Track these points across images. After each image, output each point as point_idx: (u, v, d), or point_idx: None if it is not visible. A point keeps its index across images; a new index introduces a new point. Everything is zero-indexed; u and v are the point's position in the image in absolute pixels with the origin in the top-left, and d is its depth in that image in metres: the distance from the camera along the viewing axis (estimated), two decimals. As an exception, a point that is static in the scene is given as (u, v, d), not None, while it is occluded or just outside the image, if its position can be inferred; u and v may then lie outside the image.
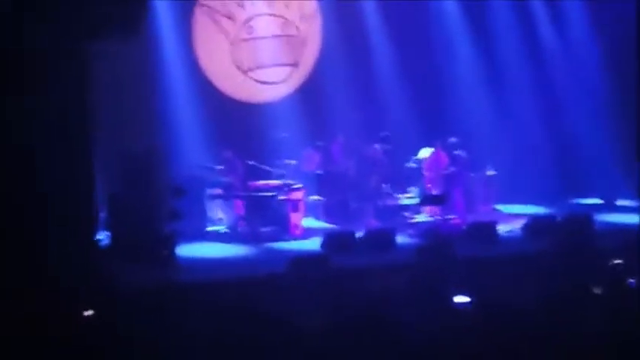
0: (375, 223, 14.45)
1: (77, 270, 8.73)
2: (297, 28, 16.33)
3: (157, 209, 12.21)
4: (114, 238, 11.88)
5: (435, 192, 14.71)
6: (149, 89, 14.77)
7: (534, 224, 13.62)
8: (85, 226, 9.02)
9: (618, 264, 10.55)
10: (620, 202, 16.19)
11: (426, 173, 15.16)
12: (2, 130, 8.26)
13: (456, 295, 9.07)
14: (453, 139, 15.03)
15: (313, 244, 12.97)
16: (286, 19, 16.22)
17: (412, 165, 15.78)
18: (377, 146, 15.21)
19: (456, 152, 15.08)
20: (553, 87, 17.15)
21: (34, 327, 7.94)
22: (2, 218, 8.19)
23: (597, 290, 9.64)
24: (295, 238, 13.67)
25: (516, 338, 7.72)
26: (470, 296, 9.03)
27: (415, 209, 15.30)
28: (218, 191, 14.29)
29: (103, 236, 11.76)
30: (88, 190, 9.13)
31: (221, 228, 14.25)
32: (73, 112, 8.81)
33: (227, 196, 14.23)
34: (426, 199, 14.45)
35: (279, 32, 16.22)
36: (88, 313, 8.23)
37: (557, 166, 16.53)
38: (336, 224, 14.57)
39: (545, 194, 16.00)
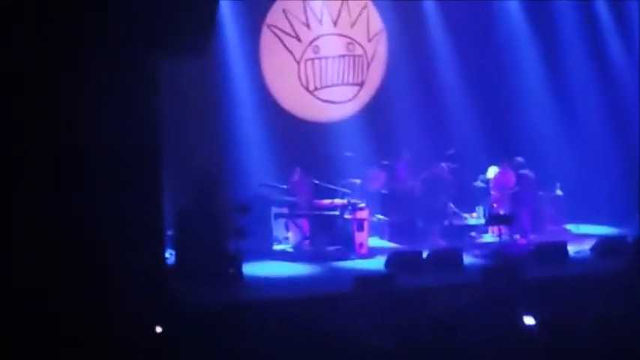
0: (441, 243, 14.34)
1: (144, 288, 8.81)
2: (362, 47, 16.36)
3: (223, 228, 12.29)
4: (180, 256, 11.99)
5: (502, 211, 14.55)
6: (216, 107, 14.92)
7: (604, 245, 13.38)
8: (152, 244, 9.11)
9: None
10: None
11: (493, 192, 15.01)
12: (72, 147, 8.40)
13: (523, 316, 8.95)
14: (519, 159, 14.87)
15: (378, 263, 12.92)
16: (352, 39, 16.27)
17: (479, 184, 15.65)
18: (443, 165, 15.12)
19: (523, 171, 14.92)
20: (623, 104, 16.84)
21: (103, 346, 8.04)
22: (70, 236, 8.32)
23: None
24: (360, 257, 13.63)
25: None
26: (537, 318, 8.91)
27: (482, 229, 15.17)
28: (283, 210, 14.34)
29: (169, 254, 11.89)
30: (155, 208, 9.23)
31: (286, 247, 14.29)
32: (140, 129, 8.93)
33: (292, 215, 14.26)
34: (493, 219, 14.30)
35: (345, 52, 16.27)
36: (156, 331, 8.30)
37: (628, 185, 16.19)
38: (401, 243, 14.49)
39: (615, 214, 15.68)
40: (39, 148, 8.29)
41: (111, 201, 8.52)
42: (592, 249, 13.44)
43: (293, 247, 14.12)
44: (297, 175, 14.48)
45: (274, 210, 14.31)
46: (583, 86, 16.80)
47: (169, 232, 12.18)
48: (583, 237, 14.75)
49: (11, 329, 8.02)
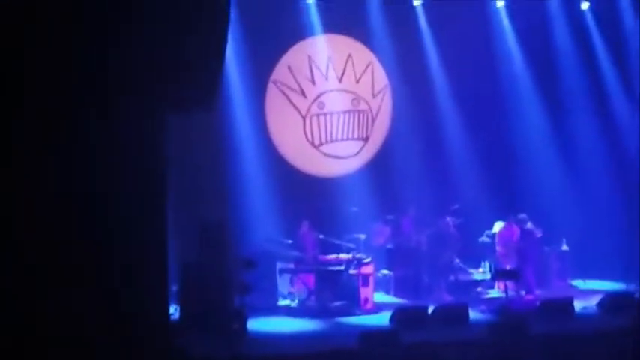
0: (447, 298, 14.28)
1: (148, 343, 8.75)
2: (367, 103, 16.49)
3: (228, 282, 12.26)
4: (185, 311, 11.95)
5: (508, 267, 14.50)
6: (223, 162, 15.01)
7: (611, 300, 13.30)
8: (157, 298, 9.07)
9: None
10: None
11: (498, 247, 14.99)
12: (77, 196, 8.42)
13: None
14: (522, 215, 14.87)
15: (384, 318, 12.84)
16: (357, 94, 16.41)
17: (485, 239, 15.65)
18: (448, 220, 15.12)
19: (528, 226, 14.90)
20: (628, 158, 16.87)
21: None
22: (73, 287, 8.29)
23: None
24: (366, 313, 13.55)
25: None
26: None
27: (488, 284, 15.12)
28: (288, 265, 14.30)
29: (174, 309, 11.84)
30: (160, 262, 9.20)
31: (291, 302, 14.22)
32: (147, 182, 8.94)
33: (297, 270, 14.23)
34: (499, 274, 14.24)
35: (349, 107, 16.40)
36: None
37: (635, 239, 16.13)
38: (407, 299, 14.42)
39: (622, 269, 15.60)
40: (45, 197, 8.30)
41: (116, 253, 8.49)
42: (599, 304, 13.35)
43: (298, 303, 14.04)
44: (304, 228, 14.50)
45: (279, 265, 14.27)
46: (587, 141, 16.87)
47: (174, 287, 12.15)
48: (590, 292, 14.66)
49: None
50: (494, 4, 16.73)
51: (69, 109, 8.37)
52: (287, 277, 14.37)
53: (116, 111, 8.63)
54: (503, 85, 16.82)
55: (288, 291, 14.39)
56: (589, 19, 16.97)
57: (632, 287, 14.39)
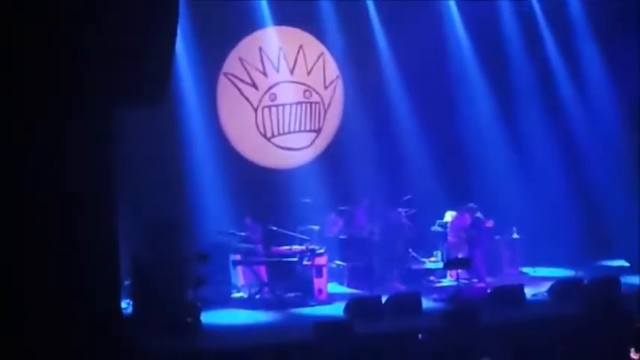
0: (400, 287, 14.38)
1: (101, 339, 8.71)
2: (319, 94, 16.51)
3: (181, 276, 12.22)
4: (137, 306, 11.88)
5: (459, 255, 14.65)
6: (175, 155, 14.93)
7: (561, 287, 13.50)
8: (108, 294, 9.03)
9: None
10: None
11: (450, 237, 15.14)
12: (25, 193, 8.33)
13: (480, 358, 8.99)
14: (472, 204, 15.02)
15: (338, 309, 12.90)
16: (308, 86, 16.42)
17: (437, 228, 15.80)
18: (401, 210, 15.22)
19: (478, 215, 15.07)
20: (577, 148, 17.14)
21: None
22: (23, 284, 8.22)
23: (625, 353, 9.50)
24: (320, 304, 13.60)
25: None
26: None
27: (440, 273, 15.26)
28: (242, 257, 14.30)
29: (126, 304, 11.78)
30: (112, 257, 9.15)
31: (245, 294, 14.22)
32: (96, 177, 8.89)
33: (251, 262, 14.23)
34: (451, 263, 14.38)
35: (301, 99, 16.41)
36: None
37: (583, 227, 16.41)
38: (360, 289, 14.50)
39: (571, 256, 15.82)
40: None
41: (66, 249, 8.44)
42: (549, 291, 13.55)
43: (252, 295, 14.05)
44: (248, 223, 14.46)
45: (232, 257, 14.27)
46: (536, 131, 17.07)
47: (127, 282, 12.08)
48: (540, 279, 14.87)
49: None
50: (445, -3, 16.86)
51: (17, 106, 8.28)
52: (241, 269, 14.37)
53: (66, 107, 8.57)
54: (454, 76, 16.94)
55: (242, 283, 14.39)
56: (537, 10, 17.16)
57: (580, 274, 14.63)
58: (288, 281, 13.87)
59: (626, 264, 16.11)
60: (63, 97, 8.53)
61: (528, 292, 13.47)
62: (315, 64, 16.45)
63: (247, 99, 16.00)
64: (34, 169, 8.39)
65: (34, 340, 8.21)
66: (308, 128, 16.50)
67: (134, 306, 11.93)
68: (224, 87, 15.84)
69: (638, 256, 15.92)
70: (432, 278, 15.22)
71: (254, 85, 16.03)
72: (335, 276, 15.09)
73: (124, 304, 11.18)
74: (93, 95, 8.76)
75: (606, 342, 10.13)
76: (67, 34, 8.35)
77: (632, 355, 9.69)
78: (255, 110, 16.07)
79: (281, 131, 16.28)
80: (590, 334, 10.45)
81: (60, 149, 8.53)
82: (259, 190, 15.51)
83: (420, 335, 10.62)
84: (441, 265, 15.19)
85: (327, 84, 16.59)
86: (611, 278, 13.68)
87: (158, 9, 8.83)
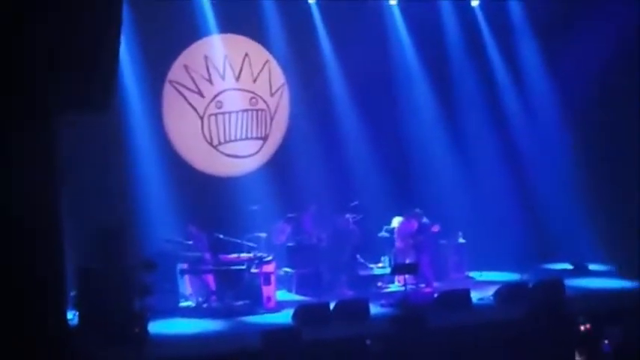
0: (348, 293, 14.42)
1: (47, 350, 8.60)
2: (265, 102, 16.51)
3: (127, 285, 12.10)
4: (84, 316, 11.74)
5: (407, 261, 14.74)
6: (119, 163, 14.80)
7: (506, 291, 13.66)
8: (53, 305, 8.91)
9: (590, 329, 10.59)
10: (590, 267, 16.26)
11: (397, 242, 15.23)
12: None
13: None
14: (418, 210, 15.13)
15: (286, 316, 12.90)
16: (255, 93, 16.41)
17: (384, 234, 15.88)
18: (348, 216, 15.28)
19: (425, 220, 15.18)
20: (519, 151, 17.36)
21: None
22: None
23: (570, 356, 9.66)
24: (268, 311, 13.58)
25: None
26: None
27: (388, 279, 15.33)
28: (189, 266, 14.20)
29: (72, 315, 11.64)
30: (57, 267, 9.04)
31: (193, 303, 14.14)
32: (40, 186, 8.78)
33: (198, 271, 14.14)
34: (398, 268, 14.46)
35: (247, 106, 16.39)
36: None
37: (528, 231, 16.62)
38: (308, 296, 14.51)
39: (516, 260, 16.02)
40: None
41: (8, 260, 8.31)
42: (495, 295, 13.69)
43: (200, 303, 13.97)
44: (193, 231, 14.38)
45: (180, 266, 14.17)
46: (481, 135, 17.27)
47: (73, 293, 11.94)
48: (486, 284, 15.03)
49: None
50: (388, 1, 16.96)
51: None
52: (187, 278, 14.28)
53: (7, 113, 8.45)
54: (398, 82, 17.06)
55: (190, 292, 14.30)
56: (479, 14, 17.37)
57: (525, 277, 14.82)
58: (236, 289, 13.82)
59: (570, 267, 16.36)
60: (6, 102, 8.40)
61: (474, 296, 13.62)
62: (260, 71, 16.44)
63: (193, 107, 15.93)
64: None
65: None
66: (255, 136, 16.48)
67: (80, 316, 11.78)
68: (169, 95, 15.75)
69: (581, 259, 16.26)
70: (379, 284, 15.28)
71: (200, 93, 15.97)
72: (283, 283, 15.08)
73: (69, 314, 11.04)
74: (37, 100, 8.65)
75: (551, 345, 10.28)
76: (9, 36, 8.23)
77: (577, 357, 9.86)
78: (202, 118, 16.00)
79: (227, 139, 16.24)
80: (536, 337, 10.60)
81: (3, 156, 8.40)
82: (206, 197, 15.47)
83: (367, 341, 10.67)
84: (388, 270, 15.27)
85: (273, 91, 16.59)
86: (556, 281, 13.90)
87: (102, 13, 8.75)
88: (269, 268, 14.01)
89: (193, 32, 15.77)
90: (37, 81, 8.53)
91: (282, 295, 14.67)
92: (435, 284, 14.96)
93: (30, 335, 8.41)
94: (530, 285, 13.83)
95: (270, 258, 14.21)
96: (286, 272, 15.20)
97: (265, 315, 13.40)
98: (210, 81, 16.04)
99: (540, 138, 17.31)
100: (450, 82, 17.26)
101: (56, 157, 9.09)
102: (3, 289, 8.24)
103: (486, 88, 17.29)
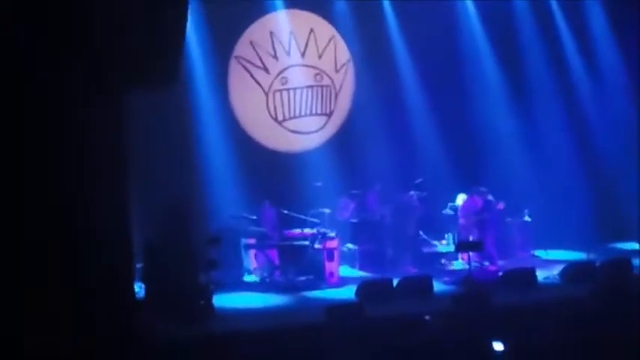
0: (411, 271, 14.40)
1: (114, 322, 8.75)
2: (330, 78, 16.49)
3: (193, 259, 12.26)
4: (150, 289, 11.94)
5: (471, 238, 14.65)
6: (185, 139, 14.97)
7: (572, 270, 13.50)
8: (121, 277, 9.07)
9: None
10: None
11: (461, 220, 15.13)
12: (38, 178, 8.35)
13: (493, 342, 9.00)
14: (483, 189, 15.01)
15: (349, 292, 12.94)
16: (320, 69, 16.40)
17: (448, 211, 15.79)
18: (412, 193, 15.22)
19: (490, 198, 15.05)
20: (588, 128, 17.09)
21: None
22: (36, 267, 8.25)
23: (637, 336, 9.50)
24: (331, 287, 13.65)
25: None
26: (507, 343, 8.96)
27: (451, 256, 15.26)
28: (253, 241, 14.34)
29: (139, 287, 11.84)
30: (124, 241, 9.19)
31: (257, 277, 14.27)
32: (108, 161, 8.90)
33: (262, 246, 14.27)
34: (462, 246, 14.38)
35: (312, 82, 16.40)
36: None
37: (595, 210, 16.38)
38: (371, 272, 14.52)
39: (583, 239, 15.79)
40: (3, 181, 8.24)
41: (79, 234, 8.47)
42: (560, 274, 13.54)
43: (263, 278, 14.10)
44: (265, 207, 14.50)
45: (244, 241, 14.31)
46: (549, 112, 17.02)
47: (139, 265, 12.14)
48: (551, 262, 14.87)
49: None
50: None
51: (23, 91, 8.28)
52: (252, 252, 14.42)
53: (76, 88, 8.56)
54: (466, 60, 16.88)
55: (254, 267, 14.44)
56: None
57: (592, 256, 14.61)
58: (299, 265, 13.91)
59: (638, 246, 16.07)
60: (75, 78, 8.52)
61: (540, 275, 13.46)
62: (326, 47, 16.42)
63: (258, 82, 16.00)
64: (44, 158, 8.39)
65: (47, 323, 8.25)
66: (319, 112, 16.50)
67: (146, 289, 11.99)
68: (235, 71, 15.85)
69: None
70: (443, 261, 15.22)
71: (265, 69, 16.03)
72: (346, 259, 15.13)
73: (136, 287, 11.24)
74: (104, 76, 8.75)
75: (617, 325, 10.13)
76: (76, 16, 8.32)
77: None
78: (267, 94, 16.07)
79: (292, 115, 16.29)
80: (601, 317, 10.45)
81: (70, 136, 8.53)
82: (270, 173, 15.54)
83: (426, 317, 10.64)
84: (452, 248, 15.19)
85: (338, 67, 16.57)
86: (623, 261, 13.67)
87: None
88: (332, 244, 14.06)
89: (259, 8, 15.83)
90: (105, 56, 8.62)
91: (345, 271, 14.71)
92: (500, 262, 14.84)
93: (97, 307, 8.56)
94: (597, 264, 13.63)
95: (333, 234, 14.26)
96: (349, 248, 15.24)
97: (328, 290, 13.46)
98: (275, 57, 16.08)
99: (610, 113, 16.99)
100: (516, 56, 17.00)
101: (124, 132, 9.20)
102: (73, 261, 8.40)
103: (554, 61, 17.00)
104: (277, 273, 13.98)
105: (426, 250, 15.31)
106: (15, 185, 8.26)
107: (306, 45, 16.29)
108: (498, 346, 8.88)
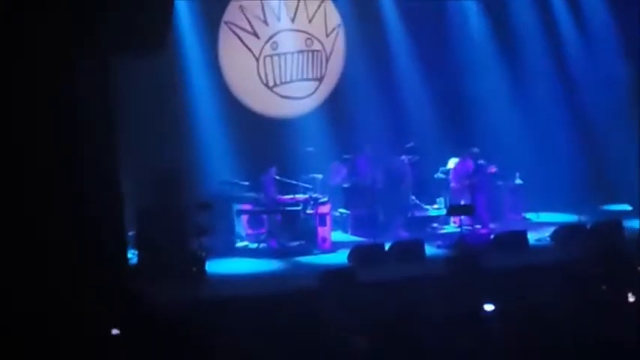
0: (403, 235, 14.43)
1: (106, 289, 8.77)
2: (321, 42, 16.40)
3: (185, 226, 12.28)
4: (143, 255, 11.96)
5: (462, 202, 14.68)
6: (175, 105, 14.88)
7: (563, 232, 13.55)
8: (114, 244, 9.07)
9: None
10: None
11: (452, 183, 15.15)
12: (27, 146, 8.32)
13: (484, 304, 9.05)
14: (475, 149, 15.01)
15: (342, 257, 12.97)
16: (310, 34, 16.31)
17: (440, 175, 15.81)
18: (404, 157, 15.21)
19: (481, 161, 15.06)
20: (580, 91, 17.06)
21: (62, 348, 7.99)
22: (29, 236, 8.25)
23: (628, 297, 9.57)
24: (323, 252, 13.68)
25: (546, 347, 7.68)
26: (499, 306, 9.01)
27: (443, 220, 15.30)
28: (245, 206, 14.35)
29: (132, 254, 11.85)
30: (115, 208, 9.18)
31: (249, 243, 14.30)
32: (98, 128, 8.88)
33: (254, 211, 14.28)
34: (454, 209, 14.42)
35: (303, 47, 16.30)
36: (117, 332, 8.27)
37: (586, 172, 16.41)
38: (364, 237, 14.55)
39: (574, 202, 15.82)
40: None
41: (70, 201, 8.46)
42: (552, 236, 13.60)
43: (256, 243, 14.12)
44: (271, 174, 14.43)
45: (236, 207, 14.31)
46: (539, 75, 16.98)
47: (131, 232, 12.14)
48: (543, 225, 14.92)
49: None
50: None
51: (12, 56, 8.23)
52: (244, 218, 14.42)
53: (65, 54, 8.51)
54: (455, 21, 16.82)
55: (246, 232, 14.46)
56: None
57: (583, 218, 14.66)
58: (291, 230, 13.93)
59: (629, 208, 16.14)
60: (64, 44, 8.46)
61: (531, 237, 13.53)
62: (316, 12, 16.31)
63: (248, 48, 15.90)
64: (34, 123, 8.35)
65: (40, 291, 8.27)
66: (310, 77, 16.42)
67: (139, 256, 12.01)
68: (225, 36, 15.74)
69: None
70: (435, 225, 15.26)
71: (255, 34, 15.92)
72: (339, 224, 15.16)
73: (129, 254, 11.25)
74: (91, 44, 8.70)
75: (609, 285, 10.18)
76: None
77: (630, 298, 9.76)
78: (257, 59, 15.98)
79: (283, 80, 16.21)
80: (593, 278, 10.50)
81: (58, 102, 8.49)
82: (262, 139, 15.50)
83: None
84: (444, 211, 15.23)
85: (328, 32, 16.47)
86: (614, 223, 13.73)
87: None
88: (324, 209, 14.08)
89: (248, -28, 15.69)
90: (94, 22, 8.56)
91: (337, 236, 14.74)
92: (491, 226, 14.89)
93: (90, 274, 8.57)
94: (588, 226, 13.69)
95: (325, 199, 14.26)
96: (342, 213, 15.25)
97: (320, 256, 13.50)
98: (265, 22, 15.97)
99: (600, 76, 16.94)
100: (507, 19, 16.92)
101: (113, 98, 9.16)
102: (64, 229, 8.40)
103: (544, 22, 16.93)
104: (270, 238, 14.00)
105: (417, 214, 15.33)
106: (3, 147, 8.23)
107: (296, 9, 16.17)
108: (491, 308, 8.93)
